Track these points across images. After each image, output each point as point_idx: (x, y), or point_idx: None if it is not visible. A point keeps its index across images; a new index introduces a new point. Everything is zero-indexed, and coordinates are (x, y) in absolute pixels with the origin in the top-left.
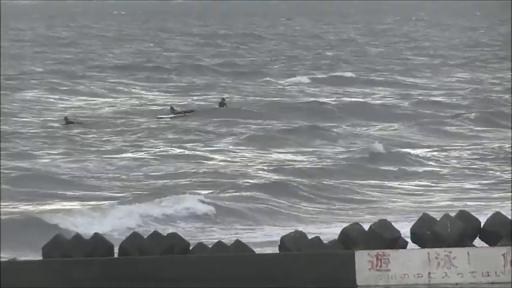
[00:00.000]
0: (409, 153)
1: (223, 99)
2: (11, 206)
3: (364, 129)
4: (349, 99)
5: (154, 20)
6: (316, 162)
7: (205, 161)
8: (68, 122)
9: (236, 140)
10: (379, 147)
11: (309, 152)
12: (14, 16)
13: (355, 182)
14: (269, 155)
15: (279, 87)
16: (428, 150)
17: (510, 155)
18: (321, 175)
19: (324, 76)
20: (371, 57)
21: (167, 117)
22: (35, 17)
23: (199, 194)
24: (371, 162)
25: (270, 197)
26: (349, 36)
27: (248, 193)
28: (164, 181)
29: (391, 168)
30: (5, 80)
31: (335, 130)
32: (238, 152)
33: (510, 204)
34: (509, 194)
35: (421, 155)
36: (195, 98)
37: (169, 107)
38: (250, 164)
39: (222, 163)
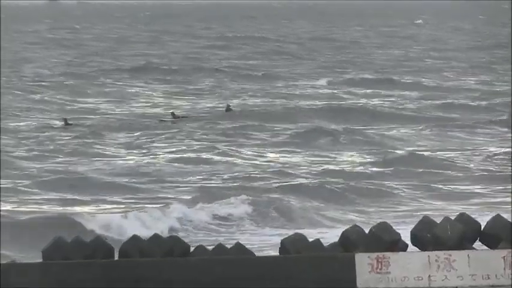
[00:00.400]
0: (430, 156)
1: (229, 105)
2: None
3: (384, 131)
4: (370, 101)
5: (157, 22)
6: (336, 165)
7: (224, 165)
8: (66, 123)
9: (257, 142)
10: (401, 150)
11: (327, 155)
12: (15, 18)
13: (381, 183)
14: (292, 158)
15: (292, 89)
16: (447, 153)
17: (510, 157)
18: (343, 177)
19: (341, 78)
20: (382, 59)
21: (168, 121)
22: (37, 19)
23: (236, 197)
24: (393, 165)
25: (306, 200)
26: (355, 37)
27: (283, 195)
28: (198, 184)
29: (414, 171)
30: (11, 81)
31: (357, 132)
32: (259, 155)
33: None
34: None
35: (442, 158)
36: (203, 101)
37: (170, 112)
38: (275, 166)
39: (242, 167)
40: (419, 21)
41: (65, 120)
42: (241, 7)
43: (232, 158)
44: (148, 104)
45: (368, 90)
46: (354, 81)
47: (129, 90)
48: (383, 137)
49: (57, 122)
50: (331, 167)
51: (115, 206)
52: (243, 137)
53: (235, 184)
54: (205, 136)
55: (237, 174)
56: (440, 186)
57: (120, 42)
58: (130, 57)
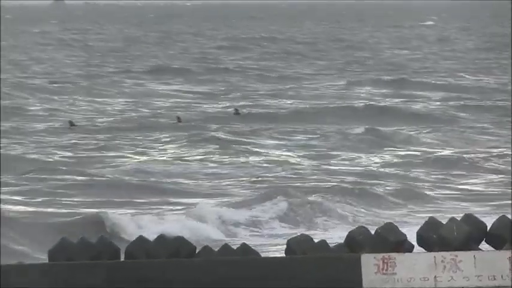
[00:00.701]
0: (463, 158)
1: (237, 109)
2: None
3: (414, 132)
4: (389, 101)
5: (165, 23)
6: (361, 166)
7: (251, 167)
8: (72, 125)
9: (279, 145)
10: (419, 150)
11: (350, 155)
12: (23, 18)
13: (418, 184)
14: (316, 160)
15: (310, 90)
16: (464, 154)
17: (511, 158)
18: (370, 178)
19: (360, 79)
20: (395, 60)
21: (174, 123)
22: (46, 20)
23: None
24: (416, 165)
25: (341, 201)
26: (365, 38)
27: (319, 197)
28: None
29: (436, 171)
30: (21, 82)
31: (379, 133)
32: (286, 158)
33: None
34: None
35: (457, 158)
36: (214, 102)
37: (176, 116)
38: (304, 168)
39: (264, 169)
40: (430, 22)
41: (71, 122)
42: (239, 7)
43: (253, 160)
44: (157, 105)
45: (385, 90)
46: (371, 82)
47: (140, 91)
48: (404, 137)
49: (62, 124)
50: (356, 168)
51: (143, 207)
52: (258, 139)
53: (264, 185)
54: (219, 138)
55: (267, 176)
56: (456, 186)
57: (131, 43)
58: (142, 58)
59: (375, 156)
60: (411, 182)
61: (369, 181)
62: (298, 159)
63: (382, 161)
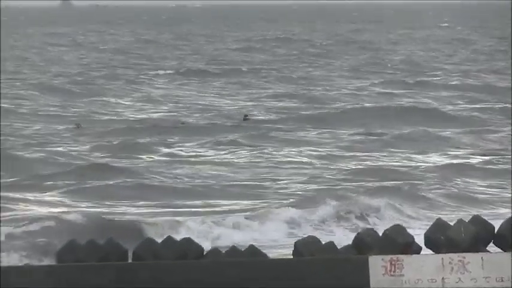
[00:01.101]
0: (491, 160)
1: (246, 115)
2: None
3: (442, 133)
4: (418, 101)
5: (177, 25)
6: (390, 166)
7: (279, 169)
8: (78, 126)
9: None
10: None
11: (377, 156)
12: (34, 19)
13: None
14: (351, 160)
15: (332, 90)
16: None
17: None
18: (406, 179)
19: (381, 80)
20: (416, 61)
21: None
22: (55, 21)
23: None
24: (466, 168)
25: (389, 200)
26: (381, 39)
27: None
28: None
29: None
30: (32, 83)
31: (410, 134)
32: (314, 160)
33: None
34: None
35: (475, 161)
36: (227, 105)
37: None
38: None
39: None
40: (445, 24)
41: (77, 124)
42: (249, 8)
43: (279, 162)
44: (170, 107)
45: (406, 91)
46: (393, 83)
47: (154, 93)
48: (429, 137)
49: (70, 125)
50: (395, 168)
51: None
52: (276, 142)
53: (306, 188)
54: (237, 140)
55: (308, 178)
56: (488, 189)
57: (145, 44)
58: (157, 60)
59: (405, 157)
60: (452, 183)
61: (411, 182)
62: (328, 161)
63: (415, 162)
